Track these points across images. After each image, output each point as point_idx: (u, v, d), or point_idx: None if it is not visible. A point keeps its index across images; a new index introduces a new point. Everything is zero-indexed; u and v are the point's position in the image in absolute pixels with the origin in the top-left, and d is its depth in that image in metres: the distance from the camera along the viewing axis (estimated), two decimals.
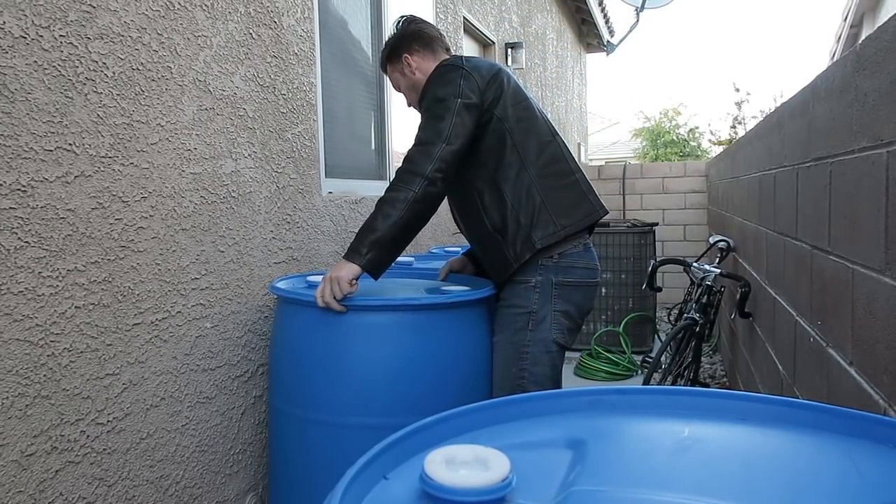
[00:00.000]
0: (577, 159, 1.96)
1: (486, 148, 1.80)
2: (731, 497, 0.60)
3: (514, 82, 1.88)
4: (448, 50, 2.04)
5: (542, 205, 1.77)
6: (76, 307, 1.45)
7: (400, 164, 1.74)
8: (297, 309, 1.78)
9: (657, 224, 5.06)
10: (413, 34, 1.98)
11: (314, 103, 2.43)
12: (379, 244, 1.67)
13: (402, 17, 2.06)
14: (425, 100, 1.81)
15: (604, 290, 4.69)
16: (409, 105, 2.06)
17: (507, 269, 1.80)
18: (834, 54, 10.60)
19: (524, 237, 1.77)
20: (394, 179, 1.72)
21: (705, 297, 3.11)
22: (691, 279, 3.37)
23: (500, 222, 1.79)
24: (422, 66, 1.96)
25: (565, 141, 1.91)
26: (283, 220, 2.21)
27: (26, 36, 1.32)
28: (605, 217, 2.12)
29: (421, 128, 1.77)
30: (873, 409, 1.14)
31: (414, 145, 1.75)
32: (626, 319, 4.56)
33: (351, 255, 1.68)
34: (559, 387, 1.84)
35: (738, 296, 2.73)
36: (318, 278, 1.97)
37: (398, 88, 2.05)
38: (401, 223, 1.68)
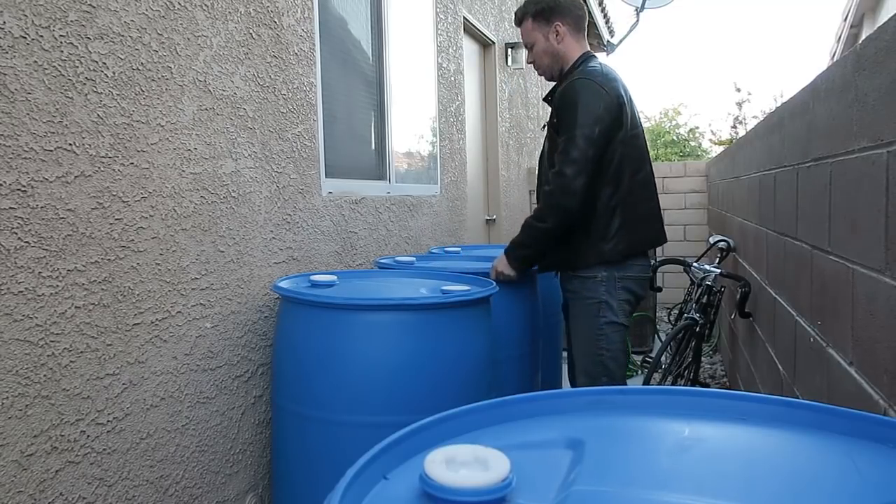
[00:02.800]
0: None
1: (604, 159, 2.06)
2: (731, 497, 0.60)
3: (633, 106, 2.16)
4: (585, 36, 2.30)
5: (623, 223, 2.09)
6: (76, 307, 1.45)
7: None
8: (299, 308, 1.79)
9: None
10: (570, 7, 2.21)
11: (314, 103, 2.43)
12: None
13: None
14: (571, 115, 2.04)
15: None
16: (530, 62, 2.30)
17: (574, 265, 2.14)
18: (834, 54, 10.60)
19: (596, 248, 2.09)
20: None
21: (705, 297, 3.10)
22: (691, 279, 3.37)
23: (585, 224, 2.09)
24: (566, 40, 2.20)
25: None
26: (283, 220, 2.21)
27: (26, 36, 1.32)
28: None
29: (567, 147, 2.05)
30: (873, 409, 1.14)
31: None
32: None
33: None
34: (628, 356, 2.25)
35: (738, 296, 2.73)
36: (321, 277, 1.98)
37: (529, 45, 2.27)
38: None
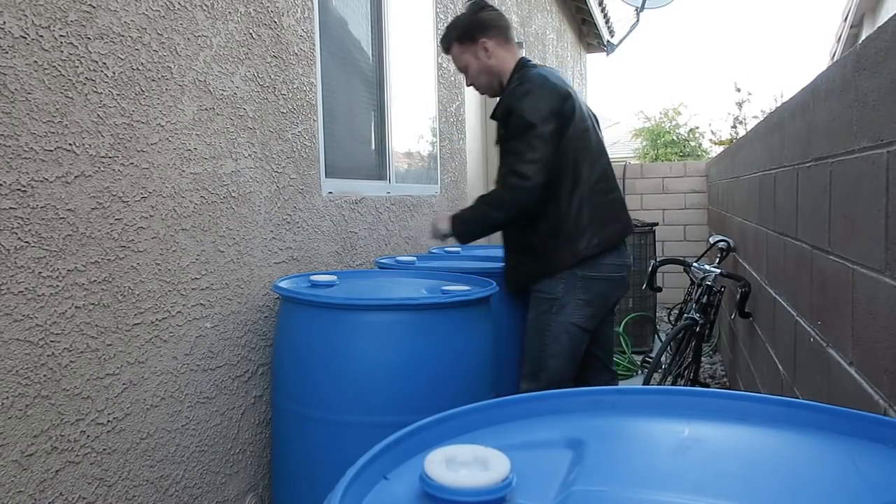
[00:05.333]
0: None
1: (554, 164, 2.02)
2: (731, 497, 0.60)
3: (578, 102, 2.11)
4: (517, 43, 2.28)
5: (591, 218, 2.04)
6: (76, 307, 1.45)
7: None
8: (299, 308, 1.79)
9: (657, 224, 5.06)
10: (492, 21, 2.19)
11: (314, 103, 2.43)
12: None
13: (474, 1, 2.25)
14: (520, 120, 2.00)
15: None
16: (469, 85, 2.28)
17: (550, 272, 2.07)
18: (834, 54, 10.60)
19: (570, 248, 2.04)
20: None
21: (705, 297, 3.10)
22: (691, 279, 3.37)
23: (553, 228, 2.05)
24: (497, 53, 2.18)
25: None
26: (283, 220, 2.21)
27: (26, 36, 1.32)
28: None
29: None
30: (873, 409, 1.14)
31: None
32: (626, 319, 4.56)
33: None
34: (577, 362, 2.13)
35: (738, 296, 2.73)
36: (321, 277, 1.98)
37: (463, 70, 2.26)
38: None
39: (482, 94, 2.29)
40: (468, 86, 2.28)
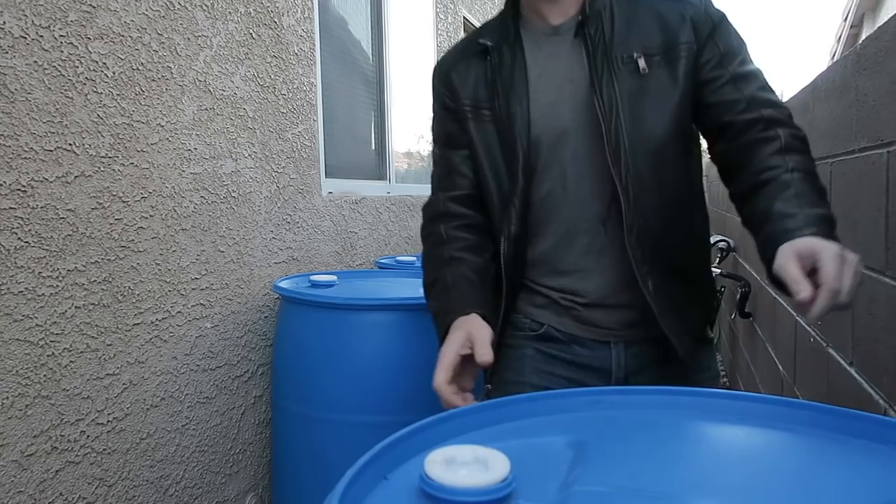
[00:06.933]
0: None
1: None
2: (731, 497, 0.60)
3: None
4: None
5: None
6: (76, 307, 1.44)
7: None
8: (299, 308, 1.79)
9: None
10: None
11: (314, 103, 2.43)
12: None
13: None
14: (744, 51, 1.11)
15: None
16: None
17: (711, 320, 1.25)
18: (834, 54, 10.60)
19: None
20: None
21: None
22: None
23: (706, 250, 1.21)
24: None
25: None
26: (283, 220, 2.21)
27: (26, 36, 1.32)
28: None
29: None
30: (873, 409, 1.14)
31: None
32: None
33: None
34: None
35: (738, 296, 2.73)
36: (321, 278, 1.98)
37: None
38: None
39: None
40: None
